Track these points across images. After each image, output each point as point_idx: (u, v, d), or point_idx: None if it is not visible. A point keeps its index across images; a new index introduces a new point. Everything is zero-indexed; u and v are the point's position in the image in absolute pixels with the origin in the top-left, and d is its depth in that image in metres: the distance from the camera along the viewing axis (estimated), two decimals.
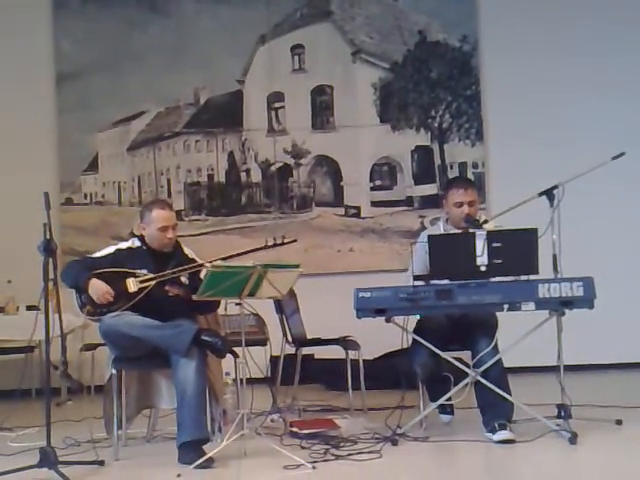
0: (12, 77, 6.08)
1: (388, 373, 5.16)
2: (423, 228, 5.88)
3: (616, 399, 4.43)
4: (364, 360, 4.81)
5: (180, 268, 3.79)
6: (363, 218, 6.37)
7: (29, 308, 5.10)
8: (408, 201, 6.40)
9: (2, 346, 5.53)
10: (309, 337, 4.93)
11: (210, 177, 6.35)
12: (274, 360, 4.81)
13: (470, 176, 6.23)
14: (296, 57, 6.39)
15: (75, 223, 6.17)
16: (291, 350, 4.81)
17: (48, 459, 3.30)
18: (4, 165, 6.02)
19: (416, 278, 3.81)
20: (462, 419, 4.20)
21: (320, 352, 5.50)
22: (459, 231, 4.06)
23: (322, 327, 4.81)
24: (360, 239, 6.35)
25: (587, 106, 6.19)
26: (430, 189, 6.39)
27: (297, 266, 3.65)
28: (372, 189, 6.39)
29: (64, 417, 4.52)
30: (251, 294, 3.59)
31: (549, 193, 4.00)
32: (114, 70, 6.22)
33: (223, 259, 3.66)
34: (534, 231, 3.75)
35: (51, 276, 3.35)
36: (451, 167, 6.41)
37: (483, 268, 3.74)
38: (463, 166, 6.40)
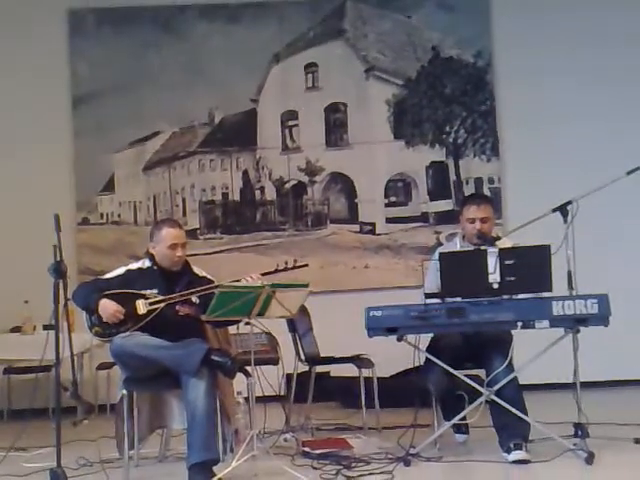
0: (30, 101, 6.13)
1: (403, 391, 5.11)
2: (439, 244, 5.85)
3: (635, 417, 4.35)
4: (380, 378, 4.80)
5: (188, 291, 3.80)
6: (378, 235, 6.35)
7: (46, 328, 5.12)
8: (423, 217, 6.37)
9: (19, 366, 5.59)
10: (325, 354, 4.92)
11: (225, 195, 6.37)
12: (289, 378, 4.79)
13: (486, 191, 6.21)
14: (309, 75, 6.40)
15: (92, 243, 6.21)
16: (306, 368, 4.79)
17: None
18: (23, 186, 6.07)
19: (428, 296, 3.79)
20: (477, 438, 4.14)
21: (336, 370, 5.47)
22: (472, 248, 4.03)
23: (338, 344, 4.79)
24: (375, 256, 6.32)
25: (602, 122, 6.13)
26: (446, 205, 6.36)
27: (306, 285, 3.65)
28: (387, 205, 6.37)
29: (79, 437, 4.47)
30: (260, 314, 3.59)
31: (563, 209, 3.97)
32: (129, 92, 6.26)
33: (232, 282, 3.67)
34: (547, 248, 3.70)
35: (62, 297, 3.36)
36: (467, 183, 6.38)
37: (495, 286, 3.70)
38: (479, 181, 6.36)
